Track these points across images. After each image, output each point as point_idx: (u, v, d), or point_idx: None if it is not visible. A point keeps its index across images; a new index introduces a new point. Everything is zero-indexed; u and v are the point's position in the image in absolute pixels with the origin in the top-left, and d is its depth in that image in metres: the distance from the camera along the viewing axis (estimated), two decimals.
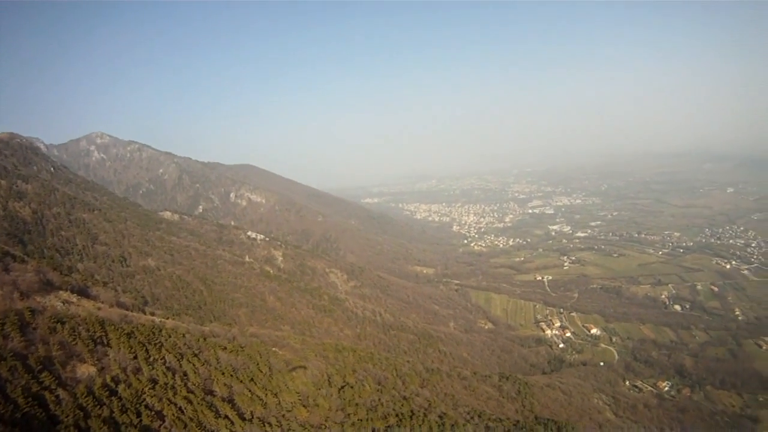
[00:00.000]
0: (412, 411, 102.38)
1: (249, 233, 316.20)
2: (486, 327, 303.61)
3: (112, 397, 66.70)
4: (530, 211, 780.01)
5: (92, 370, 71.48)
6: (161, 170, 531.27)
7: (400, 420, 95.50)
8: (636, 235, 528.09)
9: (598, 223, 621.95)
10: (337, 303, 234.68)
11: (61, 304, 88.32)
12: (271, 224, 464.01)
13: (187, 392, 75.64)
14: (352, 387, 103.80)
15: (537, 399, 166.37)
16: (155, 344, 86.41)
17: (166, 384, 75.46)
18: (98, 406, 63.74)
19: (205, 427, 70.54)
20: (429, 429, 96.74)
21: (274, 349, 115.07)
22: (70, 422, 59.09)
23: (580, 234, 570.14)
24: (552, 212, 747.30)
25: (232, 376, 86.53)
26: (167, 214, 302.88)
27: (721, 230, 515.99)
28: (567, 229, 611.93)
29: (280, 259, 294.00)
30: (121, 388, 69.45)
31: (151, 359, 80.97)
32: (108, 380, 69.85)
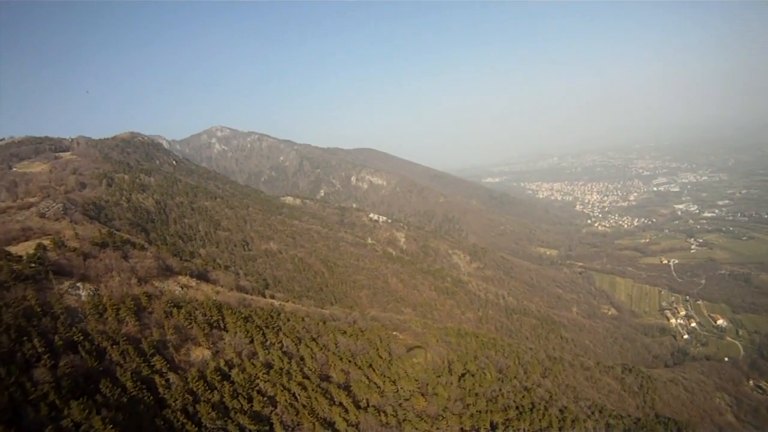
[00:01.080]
0: (532, 403, 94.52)
1: (371, 215, 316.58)
2: (609, 313, 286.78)
3: (224, 382, 64.11)
4: (655, 188, 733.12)
5: (207, 353, 69.55)
6: (282, 158, 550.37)
7: (520, 413, 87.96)
8: (766, 216, 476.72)
9: (726, 202, 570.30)
10: (459, 285, 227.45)
11: (180, 289, 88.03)
12: (393, 206, 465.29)
13: (303, 378, 71.91)
14: (473, 375, 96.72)
15: (659, 395, 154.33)
16: (273, 328, 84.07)
17: (281, 369, 72.11)
18: (209, 391, 61.34)
19: (317, 414, 66.12)
20: (549, 423, 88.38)
21: (394, 333, 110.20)
22: (177, 406, 56.80)
23: (707, 214, 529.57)
24: (677, 190, 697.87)
25: (350, 361, 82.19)
26: (289, 199, 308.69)
27: None
28: (693, 208, 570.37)
29: (403, 240, 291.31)
30: (234, 372, 66.57)
31: (268, 343, 78.47)
32: (221, 364, 67.43)
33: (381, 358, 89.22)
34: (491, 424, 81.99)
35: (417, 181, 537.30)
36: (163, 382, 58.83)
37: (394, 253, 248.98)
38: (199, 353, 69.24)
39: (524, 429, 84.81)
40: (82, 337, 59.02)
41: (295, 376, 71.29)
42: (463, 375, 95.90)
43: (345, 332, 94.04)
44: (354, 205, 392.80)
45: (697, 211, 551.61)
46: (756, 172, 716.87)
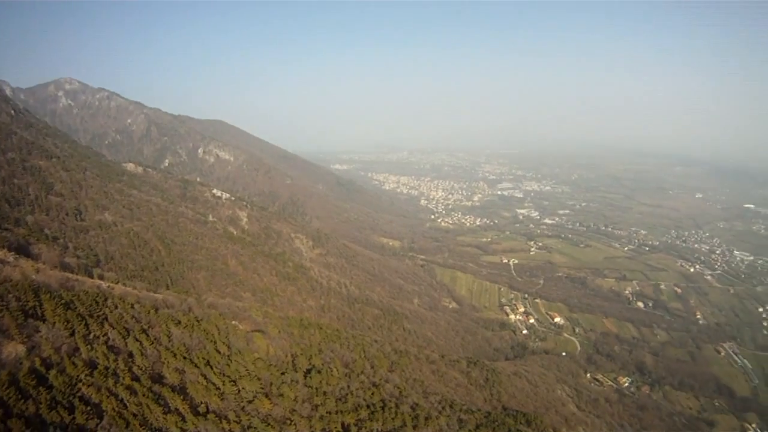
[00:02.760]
0: (383, 401, 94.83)
1: (214, 191, 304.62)
2: (450, 306, 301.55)
3: (41, 387, 55.75)
4: (499, 192, 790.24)
5: (21, 349, 60.94)
6: (129, 120, 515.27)
7: (372, 412, 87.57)
8: (603, 228, 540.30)
9: (567, 211, 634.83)
10: (301, 271, 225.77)
11: None
12: (238, 183, 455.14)
13: (132, 380, 64.98)
14: (319, 371, 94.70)
15: (504, 388, 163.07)
16: (98, 317, 75.64)
17: (107, 369, 64.56)
18: (22, 400, 52.79)
19: (151, 425, 60.51)
20: (402, 422, 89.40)
21: (233, 322, 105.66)
22: None
23: (547, 221, 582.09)
24: (521, 196, 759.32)
25: (185, 358, 76.12)
26: (130, 166, 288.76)
27: (687, 234, 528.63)
28: (535, 214, 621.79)
29: (245, 220, 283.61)
30: (52, 374, 58.40)
31: (91, 336, 70.10)
32: (37, 364, 59.07)
33: (219, 353, 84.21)
34: (343, 426, 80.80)
35: (265, 160, 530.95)
36: None
37: (235, 232, 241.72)
38: (12, 349, 60.32)
39: (377, 430, 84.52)
40: None
41: (123, 378, 64.23)
42: (308, 371, 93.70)
43: (179, 322, 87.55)
44: (198, 179, 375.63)
45: (539, 217, 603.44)
46: (597, 188, 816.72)
